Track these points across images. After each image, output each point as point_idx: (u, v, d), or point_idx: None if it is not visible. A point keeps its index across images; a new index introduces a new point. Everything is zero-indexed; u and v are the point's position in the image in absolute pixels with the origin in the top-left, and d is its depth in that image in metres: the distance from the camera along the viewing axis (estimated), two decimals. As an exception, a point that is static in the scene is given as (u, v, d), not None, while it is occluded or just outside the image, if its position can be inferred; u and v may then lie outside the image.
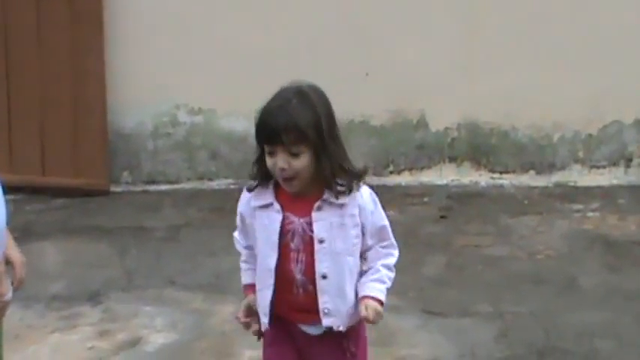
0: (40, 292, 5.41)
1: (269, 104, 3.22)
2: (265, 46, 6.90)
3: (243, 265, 3.49)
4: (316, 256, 3.27)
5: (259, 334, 3.46)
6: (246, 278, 3.47)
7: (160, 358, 4.83)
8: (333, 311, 3.31)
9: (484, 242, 6.13)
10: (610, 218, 6.45)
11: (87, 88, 7.01)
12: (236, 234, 3.49)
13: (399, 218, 6.40)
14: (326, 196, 3.24)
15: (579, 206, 6.67)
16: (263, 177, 3.29)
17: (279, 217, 3.28)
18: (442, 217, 6.57)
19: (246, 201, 3.38)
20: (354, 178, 3.28)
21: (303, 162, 3.18)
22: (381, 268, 3.34)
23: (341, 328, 3.31)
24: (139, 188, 7.24)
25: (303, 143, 3.16)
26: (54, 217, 6.72)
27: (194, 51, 7.05)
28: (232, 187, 7.09)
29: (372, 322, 3.29)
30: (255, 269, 3.40)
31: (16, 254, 3.28)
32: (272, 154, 3.19)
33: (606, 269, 5.70)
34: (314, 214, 3.26)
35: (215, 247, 5.96)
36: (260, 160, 3.27)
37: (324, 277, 3.27)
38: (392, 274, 3.36)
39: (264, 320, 3.38)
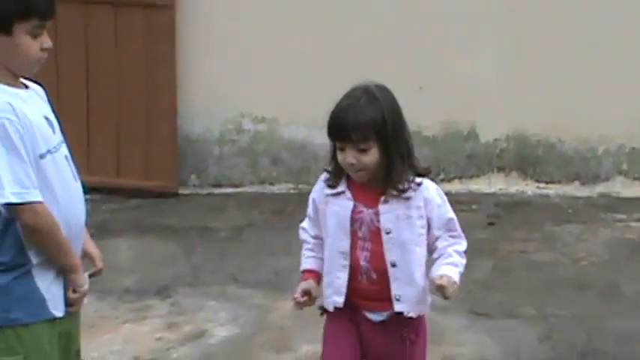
0: (113, 285, 5.47)
1: (340, 103, 3.27)
2: (325, 59, 6.92)
3: (307, 253, 3.48)
4: (385, 246, 3.29)
5: (323, 309, 3.46)
6: (308, 264, 3.45)
7: (222, 350, 4.86)
8: (404, 298, 3.31)
9: (529, 248, 6.09)
10: (651, 229, 6.37)
11: (159, 96, 7.09)
12: (304, 224, 3.50)
13: (449, 224, 6.42)
14: (392, 189, 3.26)
15: (622, 216, 6.60)
16: (337, 169, 3.33)
17: (350, 204, 3.30)
18: (490, 223, 6.54)
19: (320, 189, 3.41)
20: (418, 173, 3.31)
21: (371, 158, 3.21)
22: (452, 253, 3.32)
23: (411, 314, 3.32)
24: (205, 191, 7.28)
25: (370, 140, 3.19)
26: (127, 216, 6.80)
27: (259, 63, 7.09)
28: (292, 191, 7.12)
29: (446, 293, 3.21)
30: (319, 258, 3.42)
31: (93, 249, 3.34)
32: (342, 149, 3.23)
33: (639, 274, 5.65)
34: (381, 207, 3.28)
35: (275, 247, 5.99)
36: (335, 154, 3.30)
37: (393, 265, 3.28)
38: (463, 261, 3.33)
39: (339, 299, 3.37)
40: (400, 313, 3.32)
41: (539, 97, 7.00)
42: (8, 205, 2.95)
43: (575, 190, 7.07)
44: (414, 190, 3.28)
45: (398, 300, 3.32)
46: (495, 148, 7.15)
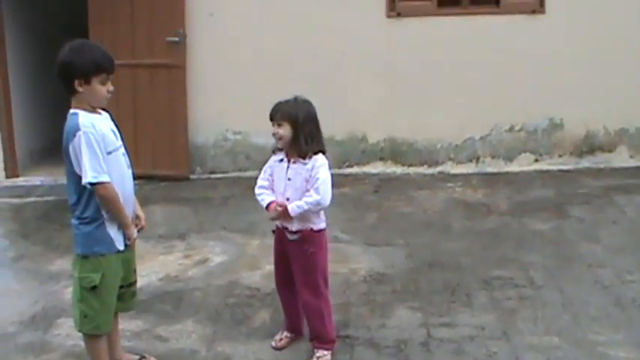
0: (152, 233, 5.47)
1: (275, 104, 3.46)
2: (274, 96, 6.93)
3: (265, 195, 3.46)
4: (285, 189, 3.41)
5: (273, 231, 3.58)
6: (270, 198, 3.44)
7: (218, 270, 4.89)
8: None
9: (399, 205, 6.16)
10: (468, 192, 6.48)
11: (178, 121, 7.04)
12: (259, 181, 3.53)
13: (351, 192, 6.46)
14: (297, 156, 3.38)
15: (451, 185, 6.70)
16: (279, 148, 3.45)
17: (285, 165, 3.41)
18: (375, 191, 6.61)
19: (273, 160, 3.51)
20: (315, 150, 3.39)
21: (283, 131, 3.35)
22: (303, 200, 3.37)
23: (293, 229, 3.41)
24: (205, 176, 7.24)
25: (284, 121, 3.34)
26: (160, 192, 6.75)
27: (236, 100, 7.07)
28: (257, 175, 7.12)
29: (273, 215, 3.40)
30: (273, 196, 3.46)
31: (140, 212, 3.35)
32: (272, 126, 3.40)
33: (461, 218, 5.74)
34: (290, 166, 3.40)
35: (248, 208, 6.00)
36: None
37: (287, 199, 3.39)
38: (306, 206, 3.34)
39: (278, 224, 3.51)
40: (286, 228, 3.42)
41: (403, 118, 7.08)
42: (90, 183, 2.98)
43: (424, 170, 7.14)
44: (310, 159, 3.36)
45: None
46: (378, 146, 7.21)
